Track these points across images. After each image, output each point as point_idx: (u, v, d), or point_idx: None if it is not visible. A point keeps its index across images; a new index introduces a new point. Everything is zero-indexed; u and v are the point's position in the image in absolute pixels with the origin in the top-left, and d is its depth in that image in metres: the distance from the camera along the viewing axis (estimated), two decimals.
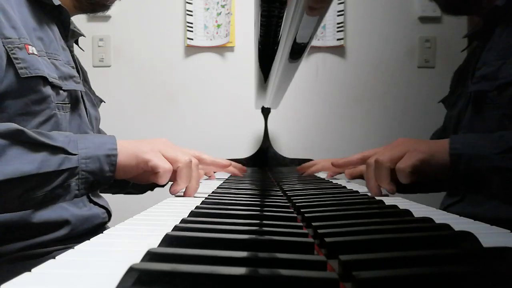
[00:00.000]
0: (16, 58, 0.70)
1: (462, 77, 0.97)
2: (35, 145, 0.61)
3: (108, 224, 0.93)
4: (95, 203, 0.89)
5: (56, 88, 0.77)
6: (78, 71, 0.89)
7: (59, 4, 0.83)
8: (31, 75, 0.71)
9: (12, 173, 0.58)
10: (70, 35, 0.90)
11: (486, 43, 0.87)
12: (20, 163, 0.59)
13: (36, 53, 0.74)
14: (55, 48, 0.81)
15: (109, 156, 0.66)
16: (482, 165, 0.63)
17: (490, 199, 0.78)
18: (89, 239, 0.39)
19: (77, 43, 0.99)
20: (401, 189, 0.82)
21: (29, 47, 0.73)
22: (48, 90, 0.75)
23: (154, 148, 0.70)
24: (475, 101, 0.83)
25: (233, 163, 1.06)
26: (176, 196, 0.74)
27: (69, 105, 0.81)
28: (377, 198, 0.65)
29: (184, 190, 0.73)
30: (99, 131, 1.09)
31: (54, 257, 0.30)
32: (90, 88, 0.99)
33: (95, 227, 0.87)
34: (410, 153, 0.69)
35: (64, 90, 0.79)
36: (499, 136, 0.66)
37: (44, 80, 0.74)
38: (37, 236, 0.76)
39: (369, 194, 0.73)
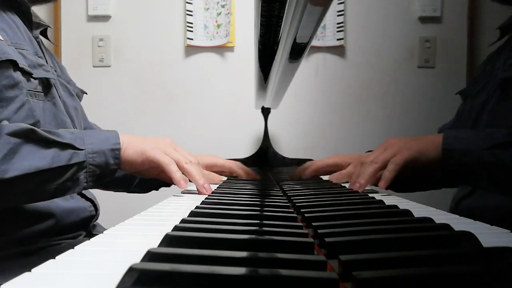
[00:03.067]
0: None
1: (490, 67, 0.96)
2: (46, 142, 0.66)
3: (109, 224, 0.93)
4: (82, 195, 0.88)
5: (26, 74, 0.77)
6: (47, 61, 0.88)
7: None
8: (1, 59, 0.71)
9: (27, 168, 0.63)
10: (35, 27, 0.89)
11: None
12: (34, 159, 0.64)
13: (2, 38, 0.74)
14: (20, 38, 0.80)
15: (113, 150, 0.71)
16: (472, 160, 0.68)
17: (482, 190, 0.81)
18: (78, 233, 0.39)
19: (45, 35, 0.96)
20: (400, 188, 0.85)
21: None
22: (18, 76, 0.74)
23: (160, 147, 0.76)
24: (503, 88, 0.84)
25: (243, 166, 1.07)
26: (177, 195, 0.75)
27: (42, 93, 0.81)
28: (377, 198, 0.65)
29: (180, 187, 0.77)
30: (89, 124, 1.09)
31: (45, 253, 0.31)
32: (69, 81, 0.98)
33: (82, 221, 0.86)
34: (401, 152, 0.73)
35: (34, 78, 0.79)
36: (488, 132, 0.71)
37: (14, 65, 0.74)
38: (22, 228, 0.75)
39: (369, 194, 0.73)
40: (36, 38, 0.89)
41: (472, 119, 0.94)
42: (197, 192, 0.78)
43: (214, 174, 0.99)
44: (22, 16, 0.85)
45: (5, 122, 0.66)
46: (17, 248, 0.75)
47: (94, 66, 1.86)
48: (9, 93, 0.72)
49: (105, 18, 1.86)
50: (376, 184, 0.77)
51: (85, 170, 0.69)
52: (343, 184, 0.90)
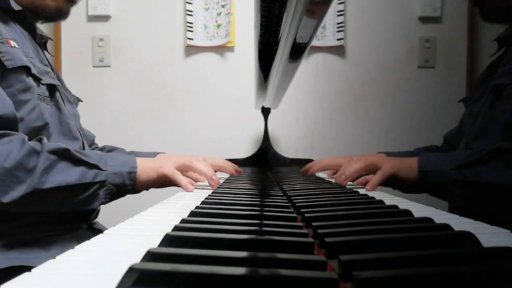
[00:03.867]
0: (1, 52, 0.78)
1: (488, 76, 1.02)
2: (76, 161, 0.77)
3: (109, 224, 0.93)
4: None
5: (36, 80, 0.84)
6: (52, 69, 0.95)
7: (20, 9, 0.88)
8: (17, 65, 0.79)
9: (59, 182, 0.73)
10: (38, 38, 0.96)
11: None
12: (66, 175, 0.75)
13: (17, 46, 0.82)
14: (28, 48, 0.87)
15: (130, 173, 0.83)
16: (444, 179, 0.80)
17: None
18: (80, 224, 0.39)
19: (45, 47, 1.03)
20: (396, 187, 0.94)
21: (10, 41, 0.80)
22: (30, 81, 0.82)
23: (166, 162, 0.88)
24: (495, 93, 0.91)
25: (229, 162, 1.14)
26: (177, 195, 0.75)
27: (49, 98, 0.88)
28: (377, 198, 0.65)
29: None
30: (81, 128, 1.12)
31: (48, 242, 0.31)
32: (66, 89, 1.05)
33: (84, 212, 0.92)
34: (386, 165, 0.86)
35: (43, 84, 0.86)
36: (455, 154, 0.85)
37: (27, 70, 0.81)
38: (27, 216, 0.81)
39: (369, 194, 0.73)
40: (41, 48, 0.95)
41: (471, 123, 1.00)
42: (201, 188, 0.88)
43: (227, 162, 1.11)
44: (27, 28, 0.91)
45: (45, 140, 0.76)
46: (20, 235, 0.80)
47: (94, 66, 1.86)
48: (22, 97, 0.80)
49: (105, 18, 1.86)
50: (363, 185, 0.90)
51: (105, 188, 0.80)
52: (343, 185, 0.90)
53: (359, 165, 0.89)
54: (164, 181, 0.89)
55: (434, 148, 1.22)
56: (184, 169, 0.90)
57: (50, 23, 1.02)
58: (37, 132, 0.82)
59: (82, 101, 1.15)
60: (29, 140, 0.75)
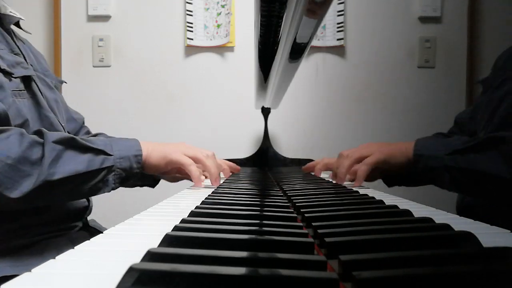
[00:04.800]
0: None
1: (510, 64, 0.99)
2: (83, 149, 0.76)
3: (109, 224, 0.93)
4: None
5: (7, 75, 0.80)
6: (24, 57, 0.89)
7: None
8: None
9: (69, 171, 0.72)
10: (7, 21, 0.89)
11: None
12: (74, 163, 0.73)
13: None
14: None
15: (136, 156, 0.81)
16: (436, 164, 0.79)
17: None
18: (74, 224, 0.39)
19: (18, 25, 0.96)
20: (390, 183, 0.98)
21: None
22: (1, 77, 0.77)
23: (179, 149, 0.87)
24: None
25: (228, 162, 1.15)
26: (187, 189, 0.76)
27: (25, 91, 0.83)
28: (377, 198, 0.65)
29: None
30: (71, 114, 1.09)
31: (45, 244, 0.31)
32: (46, 72, 0.98)
33: (76, 210, 0.91)
34: (373, 154, 0.87)
35: (15, 77, 0.81)
36: (450, 140, 0.83)
37: None
38: (18, 220, 0.79)
39: (369, 194, 0.73)
40: (8, 33, 0.88)
41: (490, 111, 0.97)
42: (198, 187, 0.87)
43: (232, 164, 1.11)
44: None
45: (45, 131, 0.73)
46: (16, 239, 0.78)
47: (94, 66, 1.86)
48: None
49: (105, 18, 1.86)
50: (352, 181, 0.90)
51: (113, 173, 0.79)
52: (343, 184, 0.90)
53: (348, 162, 0.89)
54: (173, 169, 0.88)
55: (440, 136, 1.19)
56: (194, 162, 0.88)
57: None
58: None
59: (66, 82, 1.10)
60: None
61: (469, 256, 0.30)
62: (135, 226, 0.47)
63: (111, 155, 0.78)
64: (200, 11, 1.84)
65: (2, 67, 0.78)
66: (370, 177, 0.93)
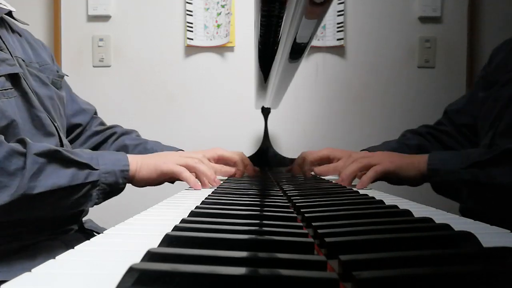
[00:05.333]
0: None
1: None
2: (67, 162, 0.72)
3: (109, 224, 0.93)
4: None
5: None
6: (11, 53, 0.83)
7: None
8: None
9: (51, 185, 0.68)
10: None
11: None
12: (56, 177, 0.69)
13: None
14: None
15: (123, 171, 0.79)
16: (453, 178, 0.77)
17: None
18: (69, 227, 0.39)
19: (11, 16, 0.91)
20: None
21: None
22: None
23: (169, 159, 0.85)
24: None
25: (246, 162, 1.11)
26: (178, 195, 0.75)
27: (12, 89, 0.78)
28: (377, 198, 0.65)
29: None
30: (80, 106, 1.07)
31: (40, 248, 0.31)
32: (42, 67, 0.92)
33: (73, 214, 0.87)
34: (383, 163, 0.85)
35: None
36: (466, 153, 0.81)
37: None
38: (16, 222, 0.75)
39: (369, 194, 0.73)
40: None
41: (498, 108, 0.95)
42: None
43: (227, 167, 1.05)
44: None
45: (28, 141, 0.69)
46: (11, 243, 0.76)
47: (94, 66, 1.86)
48: None
49: (105, 18, 1.86)
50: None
51: (97, 188, 0.75)
52: (343, 184, 0.90)
53: (356, 167, 0.87)
54: (167, 179, 0.87)
55: (423, 129, 1.18)
56: (187, 170, 0.87)
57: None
58: (3, 133, 0.72)
59: (67, 75, 1.03)
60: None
61: (469, 256, 0.30)
62: (135, 226, 0.47)
63: (96, 169, 0.75)
64: (200, 11, 1.84)
65: None
66: (376, 180, 0.91)
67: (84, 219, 0.98)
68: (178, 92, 1.88)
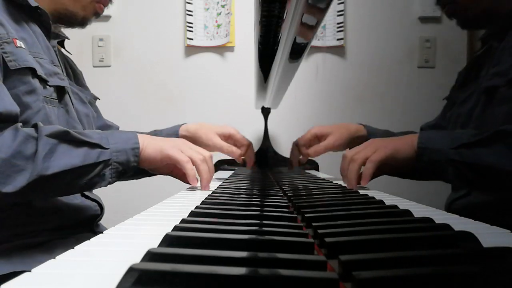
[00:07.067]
0: (5, 52, 0.75)
1: (473, 75, 1.01)
2: (78, 143, 0.74)
3: (109, 224, 0.93)
4: (86, 196, 0.93)
5: (43, 82, 0.82)
6: (62, 70, 0.94)
7: (37, 6, 0.86)
8: (20, 66, 0.77)
9: (64, 165, 0.71)
10: (53, 36, 0.94)
11: (500, 44, 0.91)
12: (69, 157, 0.72)
13: (23, 46, 0.79)
14: (38, 48, 0.85)
15: (134, 149, 0.80)
16: (441, 157, 0.77)
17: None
18: (82, 229, 0.39)
19: (62, 45, 1.03)
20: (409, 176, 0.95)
21: (17, 41, 0.78)
22: (36, 82, 0.80)
23: (177, 145, 0.84)
24: (487, 96, 0.89)
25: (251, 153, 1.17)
26: (189, 189, 0.77)
27: (56, 100, 0.86)
28: (377, 198, 0.65)
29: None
30: (106, 124, 1.16)
31: (50, 246, 0.31)
32: (82, 86, 1.05)
33: (88, 218, 0.92)
34: (378, 151, 0.83)
35: (50, 86, 0.84)
36: (456, 133, 0.80)
37: (33, 72, 0.79)
38: (32, 222, 0.80)
39: (369, 194, 0.73)
40: (53, 47, 0.93)
41: (460, 124, 0.99)
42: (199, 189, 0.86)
43: (234, 147, 1.10)
44: (42, 26, 0.89)
45: (40, 124, 0.72)
46: (22, 240, 0.79)
47: (94, 66, 1.86)
48: (26, 99, 0.78)
49: (105, 18, 1.86)
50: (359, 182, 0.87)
51: (110, 167, 0.77)
52: (343, 184, 0.90)
53: (356, 166, 0.84)
54: (168, 165, 0.87)
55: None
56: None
57: (66, 28, 1.00)
58: None
59: (99, 99, 1.13)
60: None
61: (469, 256, 0.30)
62: (135, 226, 0.47)
63: (107, 148, 0.76)
64: (200, 11, 1.84)
65: (39, 73, 0.80)
66: (377, 173, 0.89)
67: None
68: (178, 92, 1.88)
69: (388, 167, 0.86)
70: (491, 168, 0.73)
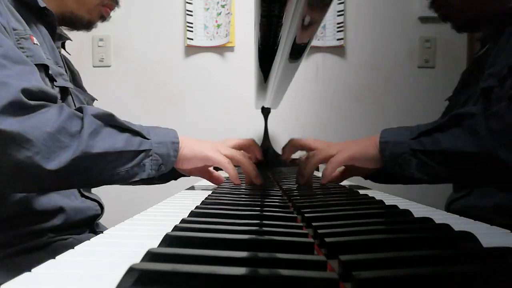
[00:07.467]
0: (23, 48, 0.75)
1: (473, 77, 1.01)
2: (121, 128, 0.75)
3: (109, 224, 0.94)
4: (87, 197, 0.94)
5: (52, 81, 0.83)
6: (66, 70, 0.94)
7: (45, 6, 0.86)
8: (37, 63, 0.76)
9: (107, 147, 0.70)
10: (57, 38, 0.94)
11: (496, 44, 0.91)
12: (113, 140, 0.72)
13: (38, 44, 0.80)
14: (44, 48, 0.85)
15: (174, 143, 0.80)
16: (402, 149, 0.77)
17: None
18: (83, 229, 0.39)
19: (63, 46, 1.03)
20: (378, 180, 0.94)
21: (34, 38, 0.78)
22: (47, 81, 0.80)
23: (213, 147, 0.85)
24: (484, 98, 0.89)
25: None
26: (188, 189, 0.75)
27: (60, 101, 0.84)
28: (377, 198, 0.65)
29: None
30: None
31: (53, 248, 0.31)
32: (81, 87, 1.05)
33: (89, 218, 0.92)
34: (339, 153, 0.82)
35: (56, 86, 0.84)
36: (416, 125, 0.80)
37: (45, 69, 0.80)
38: (33, 224, 0.80)
39: (369, 194, 0.73)
40: (57, 48, 0.93)
41: None
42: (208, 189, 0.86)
43: (248, 155, 1.06)
44: (47, 27, 0.89)
45: (86, 106, 0.73)
46: (25, 242, 0.79)
47: (94, 66, 1.86)
48: None
49: None
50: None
51: (150, 158, 0.76)
52: (343, 185, 0.90)
53: (313, 162, 0.85)
54: (204, 166, 0.87)
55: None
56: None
57: (72, 31, 1.01)
58: None
59: (97, 100, 1.13)
60: None
61: (469, 256, 0.30)
62: (135, 226, 0.47)
63: (148, 138, 0.76)
64: (200, 11, 1.84)
65: (50, 72, 0.81)
66: (343, 175, 0.92)
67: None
68: (178, 92, 1.88)
69: (355, 168, 0.86)
70: (450, 152, 0.72)
